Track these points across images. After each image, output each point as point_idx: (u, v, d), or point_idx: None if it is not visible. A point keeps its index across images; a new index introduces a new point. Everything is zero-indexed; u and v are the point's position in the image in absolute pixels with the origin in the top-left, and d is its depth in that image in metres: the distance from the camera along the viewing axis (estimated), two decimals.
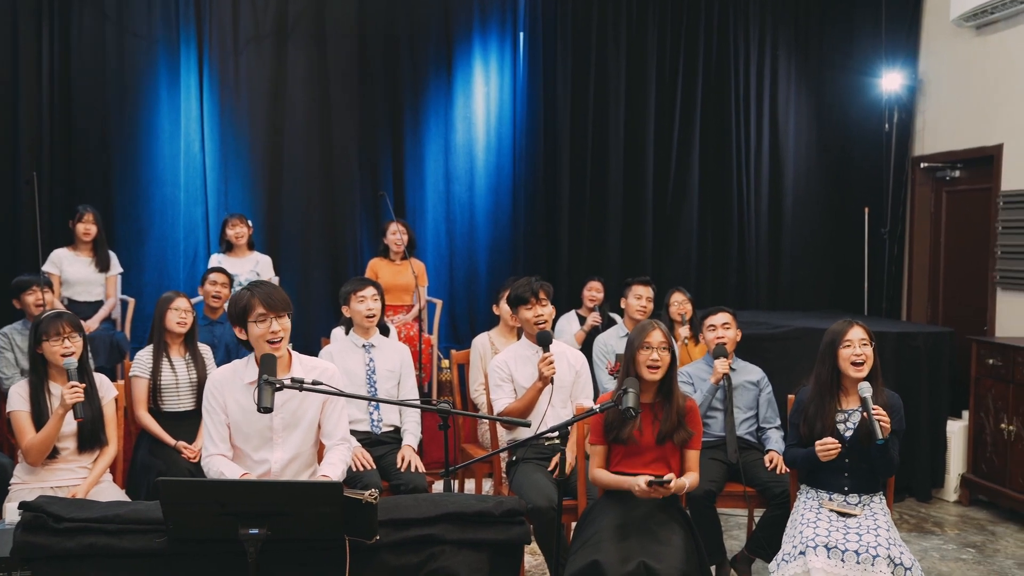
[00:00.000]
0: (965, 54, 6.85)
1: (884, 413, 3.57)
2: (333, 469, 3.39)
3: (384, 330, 4.95)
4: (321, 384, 3.13)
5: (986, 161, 6.62)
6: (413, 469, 4.30)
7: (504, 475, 4.48)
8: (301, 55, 7.01)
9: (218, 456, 3.37)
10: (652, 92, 7.44)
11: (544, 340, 4.16)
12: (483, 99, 7.33)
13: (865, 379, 3.69)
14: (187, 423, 4.47)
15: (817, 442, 3.65)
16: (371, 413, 4.56)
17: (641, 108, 7.44)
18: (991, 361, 5.67)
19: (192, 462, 4.29)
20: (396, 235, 6.52)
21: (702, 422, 3.89)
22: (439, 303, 6.90)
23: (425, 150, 7.28)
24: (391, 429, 4.58)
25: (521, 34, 7.34)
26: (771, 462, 4.41)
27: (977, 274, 6.76)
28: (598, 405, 3.43)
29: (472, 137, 7.33)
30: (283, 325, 3.31)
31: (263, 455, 3.40)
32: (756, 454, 4.52)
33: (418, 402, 4.64)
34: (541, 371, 4.09)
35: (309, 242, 7.08)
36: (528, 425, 3.34)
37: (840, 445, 3.63)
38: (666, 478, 3.38)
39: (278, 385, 3.06)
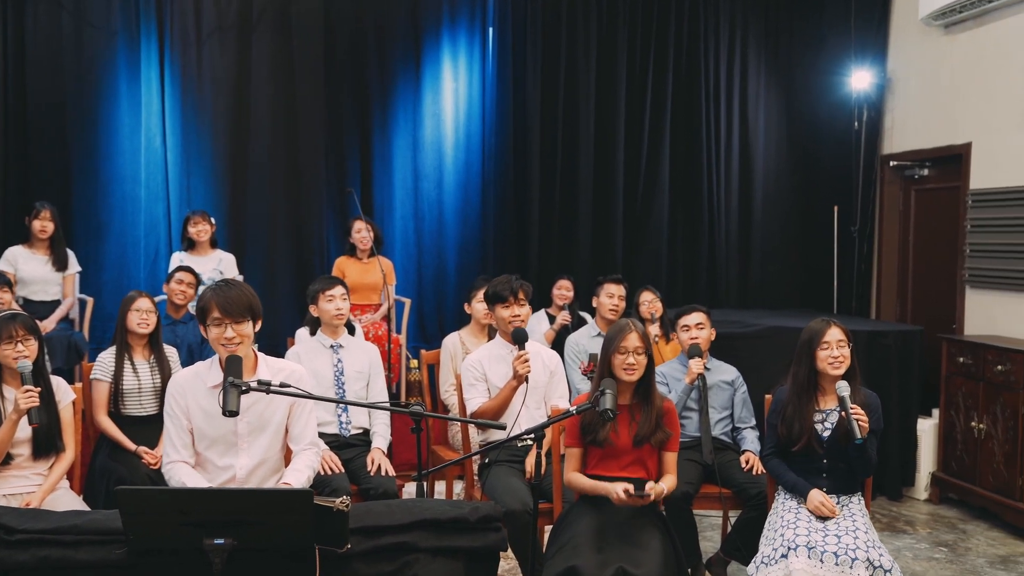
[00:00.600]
0: (934, 53, 6.86)
1: (862, 412, 3.53)
2: (297, 476, 3.26)
3: (350, 329, 4.87)
4: (289, 386, 3.02)
5: (955, 160, 6.64)
6: (383, 473, 4.19)
7: (476, 478, 4.40)
8: (266, 48, 6.87)
9: (180, 463, 3.24)
10: (622, 89, 7.38)
11: (519, 338, 4.08)
12: (452, 95, 7.23)
13: (843, 378, 3.65)
14: (149, 428, 4.31)
15: (818, 497, 3.60)
16: (339, 415, 4.45)
17: (611, 105, 7.38)
18: (961, 359, 5.68)
19: (153, 468, 4.14)
20: (361, 233, 6.41)
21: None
22: (407, 302, 6.79)
23: (393, 147, 7.16)
24: (360, 431, 4.47)
25: (490, 29, 7.25)
26: (747, 463, 4.36)
27: (946, 272, 6.78)
28: (574, 407, 3.34)
29: (441, 134, 7.23)
30: (240, 331, 3.16)
31: (227, 461, 3.27)
32: (732, 455, 4.47)
33: (389, 405, 4.52)
34: (516, 369, 4.01)
35: (274, 240, 6.93)
36: (503, 428, 3.25)
37: (837, 511, 3.59)
38: (646, 489, 3.30)
39: (244, 388, 2.95)
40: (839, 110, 7.52)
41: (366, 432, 4.47)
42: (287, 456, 3.41)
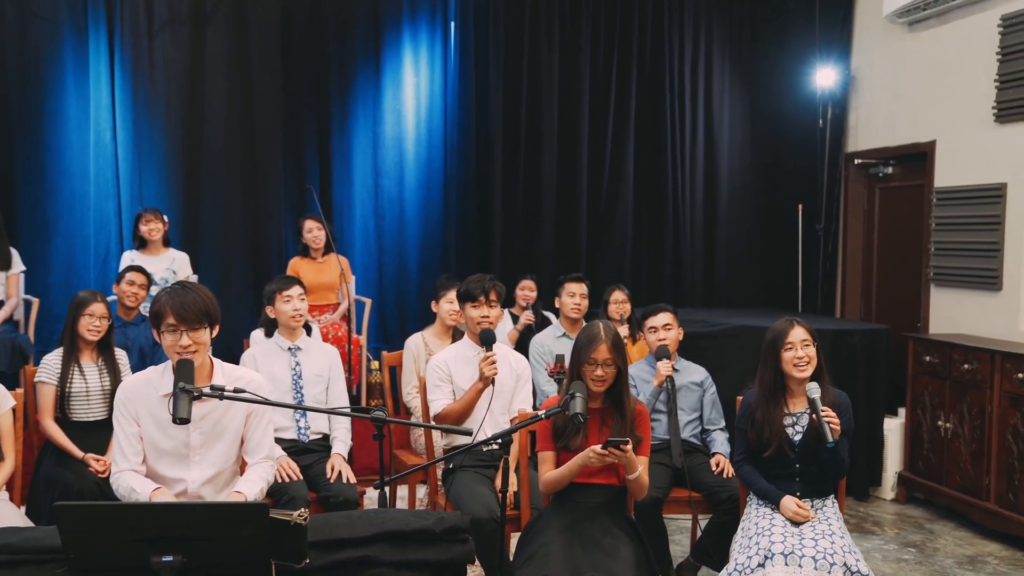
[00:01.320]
0: (898, 50, 6.84)
1: (833, 414, 3.44)
2: (250, 487, 3.10)
3: (307, 330, 4.73)
4: (243, 392, 2.86)
5: (919, 158, 6.63)
6: (344, 480, 4.05)
7: (440, 483, 4.27)
8: (221, 41, 6.66)
9: (129, 472, 3.07)
10: (586, 85, 7.29)
11: (487, 339, 3.96)
12: (413, 91, 7.09)
13: (811, 379, 3.57)
14: (98, 434, 4.11)
15: (791, 505, 3.49)
16: (298, 420, 4.29)
17: (575, 101, 7.28)
18: (928, 358, 5.65)
19: (102, 476, 3.95)
20: (313, 232, 6.28)
21: None
22: (368, 302, 6.64)
23: (353, 143, 7.00)
24: (319, 437, 4.32)
25: (452, 24, 7.12)
26: (717, 465, 4.28)
27: (910, 271, 6.77)
28: (543, 411, 3.22)
29: (402, 130, 7.08)
30: (197, 338, 2.99)
31: (178, 474, 3.10)
32: (702, 457, 4.38)
33: (350, 410, 4.37)
34: (482, 371, 3.88)
35: (230, 239, 6.74)
36: (469, 434, 3.12)
37: (811, 515, 3.49)
38: (622, 448, 3.13)
39: (196, 394, 2.79)
40: (803, 108, 7.49)
41: (326, 437, 4.33)
42: (242, 469, 3.25)
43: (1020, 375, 4.96)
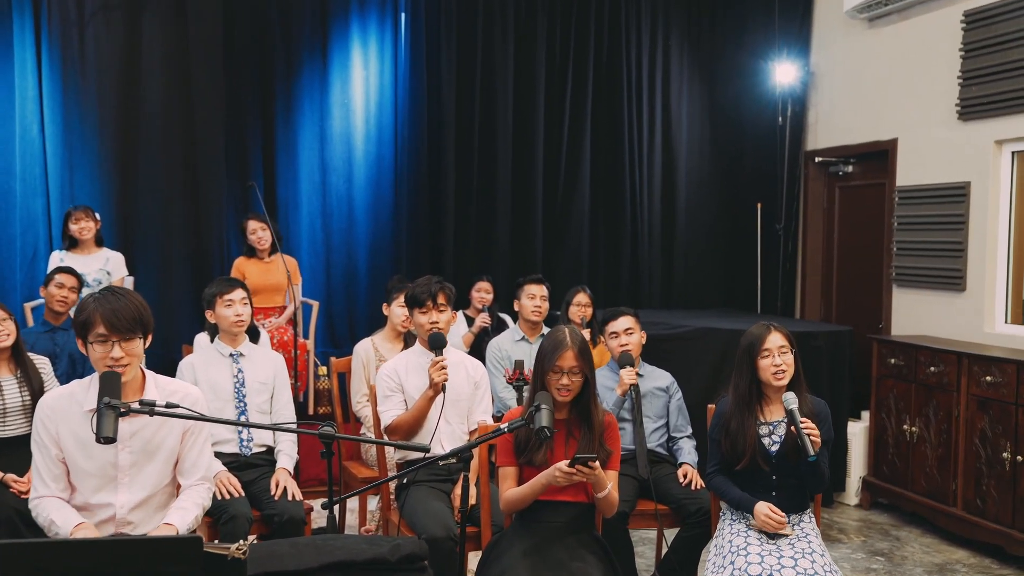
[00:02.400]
0: (858, 47, 6.73)
1: (813, 426, 3.26)
2: (182, 516, 2.82)
3: (254, 335, 4.47)
4: (177, 407, 2.59)
5: (880, 156, 6.52)
6: (289, 497, 3.78)
7: (393, 498, 4.02)
8: (158, 30, 6.31)
9: (49, 499, 2.77)
10: (541, 80, 7.06)
11: (436, 343, 3.73)
12: (362, 84, 6.80)
13: (788, 388, 3.38)
14: (18, 451, 3.78)
15: (765, 509, 3.29)
16: (240, 432, 4.00)
17: (530, 97, 7.05)
18: (893, 360, 5.53)
19: (23, 498, 3.63)
20: (257, 233, 6.01)
21: None
22: (315, 305, 6.34)
23: (299, 138, 6.70)
24: (263, 450, 4.03)
25: (403, 15, 6.84)
26: (685, 476, 4.08)
27: (872, 271, 6.66)
28: (506, 424, 2.98)
29: (350, 125, 6.79)
30: (129, 349, 2.72)
31: (105, 498, 2.80)
32: (668, 468, 4.18)
33: (296, 426, 4.09)
34: (431, 377, 3.64)
35: (168, 238, 6.39)
36: (427, 450, 2.87)
37: (785, 522, 3.30)
38: (590, 465, 2.90)
39: (123, 410, 2.51)
40: (763, 105, 7.34)
41: (270, 450, 4.05)
42: (178, 491, 2.96)
43: (988, 378, 4.85)
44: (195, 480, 2.91)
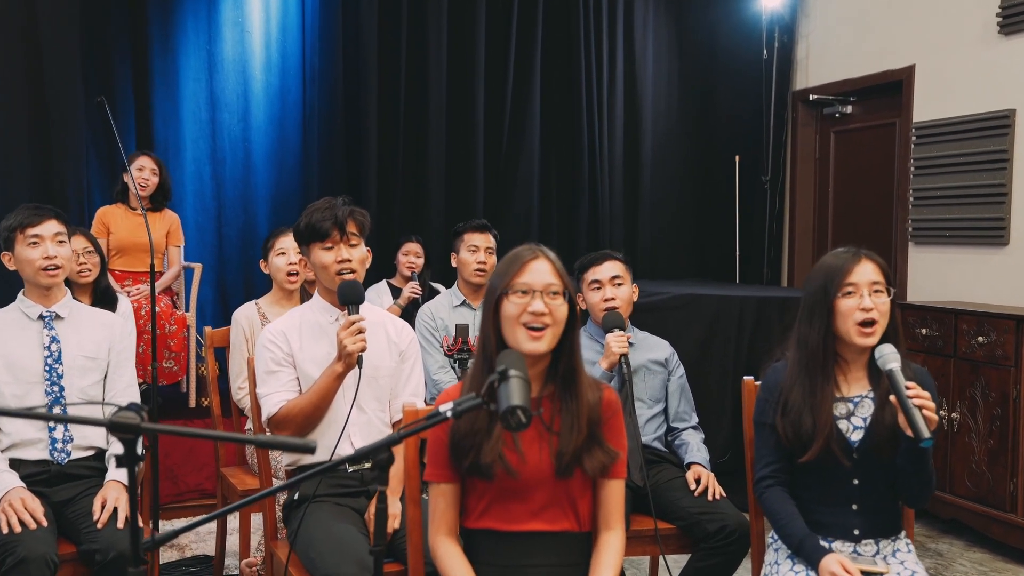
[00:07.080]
0: None
1: (925, 394, 2.13)
2: None
3: (107, 299, 3.46)
4: None
5: (890, 89, 5.51)
6: (120, 523, 2.54)
7: (281, 523, 2.78)
8: None
9: None
10: (483, 3, 5.86)
11: (350, 295, 2.51)
12: (261, 1, 5.53)
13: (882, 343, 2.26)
14: None
15: (834, 567, 2.13)
16: (51, 430, 2.75)
17: (469, 22, 5.87)
18: (924, 331, 4.48)
19: None
20: (144, 172, 4.82)
21: None
22: (198, 268, 5.06)
23: (180, 66, 5.42)
24: (89, 454, 2.79)
25: None
26: (697, 481, 2.91)
27: (878, 229, 5.66)
28: (446, 406, 1.74)
29: (246, 51, 5.54)
30: None
31: None
32: (672, 470, 3.02)
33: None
34: (343, 344, 2.41)
35: (14, 181, 4.98)
36: (312, 450, 1.60)
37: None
38: None
39: None
40: (744, 36, 6.29)
41: (100, 455, 2.80)
42: None
43: None
44: None
